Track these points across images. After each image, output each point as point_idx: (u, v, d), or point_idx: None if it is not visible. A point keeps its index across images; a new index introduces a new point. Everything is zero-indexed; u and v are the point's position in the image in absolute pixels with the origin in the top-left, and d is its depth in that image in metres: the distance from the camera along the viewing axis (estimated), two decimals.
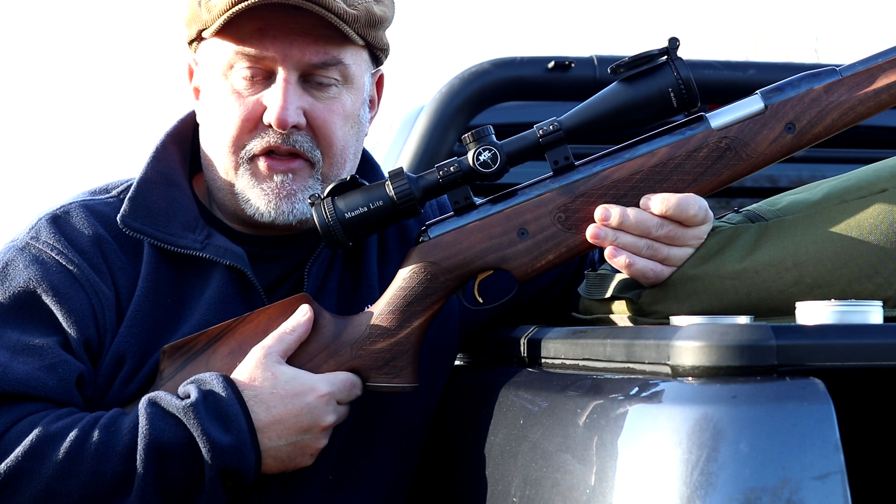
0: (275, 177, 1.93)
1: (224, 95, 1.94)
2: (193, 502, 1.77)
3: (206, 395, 1.77)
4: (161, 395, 1.79)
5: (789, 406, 1.21)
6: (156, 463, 1.74)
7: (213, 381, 1.79)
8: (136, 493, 1.74)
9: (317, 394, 1.79)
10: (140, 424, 1.75)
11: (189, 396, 1.77)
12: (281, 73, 1.91)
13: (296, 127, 1.91)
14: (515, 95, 3.07)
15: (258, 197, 1.94)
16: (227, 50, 1.92)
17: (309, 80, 1.93)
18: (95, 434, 1.76)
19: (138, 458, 1.73)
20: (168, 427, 1.75)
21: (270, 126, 1.91)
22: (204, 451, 1.73)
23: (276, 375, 1.79)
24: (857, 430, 1.72)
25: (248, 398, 1.78)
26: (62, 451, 1.74)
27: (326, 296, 1.98)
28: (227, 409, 1.76)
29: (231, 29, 1.90)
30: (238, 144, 1.94)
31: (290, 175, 1.93)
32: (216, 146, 1.97)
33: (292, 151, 1.93)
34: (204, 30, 1.94)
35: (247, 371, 1.80)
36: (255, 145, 1.93)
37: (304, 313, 1.85)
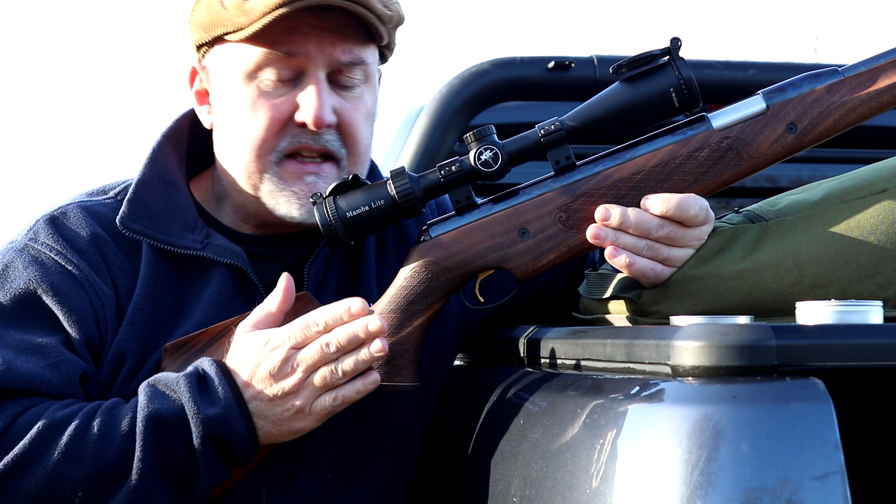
0: (307, 178, 1.93)
1: (250, 99, 1.92)
2: (194, 485, 1.76)
3: (199, 372, 1.77)
4: (160, 376, 1.80)
5: (789, 406, 1.21)
6: (154, 436, 1.74)
7: (204, 362, 1.79)
8: (136, 471, 1.74)
9: (270, 345, 1.75)
10: (139, 403, 1.76)
11: (184, 373, 1.78)
12: (312, 73, 1.91)
13: (328, 126, 1.92)
14: (515, 95, 3.06)
15: (289, 199, 1.93)
16: (254, 52, 1.91)
17: (335, 80, 1.93)
18: (98, 418, 1.77)
19: (137, 432, 1.74)
20: (165, 401, 1.75)
21: (301, 125, 1.91)
22: (191, 419, 1.73)
23: (244, 342, 1.79)
24: (857, 430, 1.72)
25: (232, 371, 1.77)
26: (66, 436, 1.75)
27: (325, 295, 1.99)
28: (214, 384, 1.76)
29: (260, 31, 1.88)
30: (267, 147, 1.93)
31: (322, 176, 1.93)
32: (239, 150, 1.95)
33: (322, 151, 1.93)
34: (229, 33, 1.91)
35: (232, 345, 1.81)
36: (286, 145, 1.93)
37: (282, 283, 1.82)
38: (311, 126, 1.90)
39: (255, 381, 1.76)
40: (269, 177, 1.94)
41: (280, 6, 1.85)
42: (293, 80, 1.92)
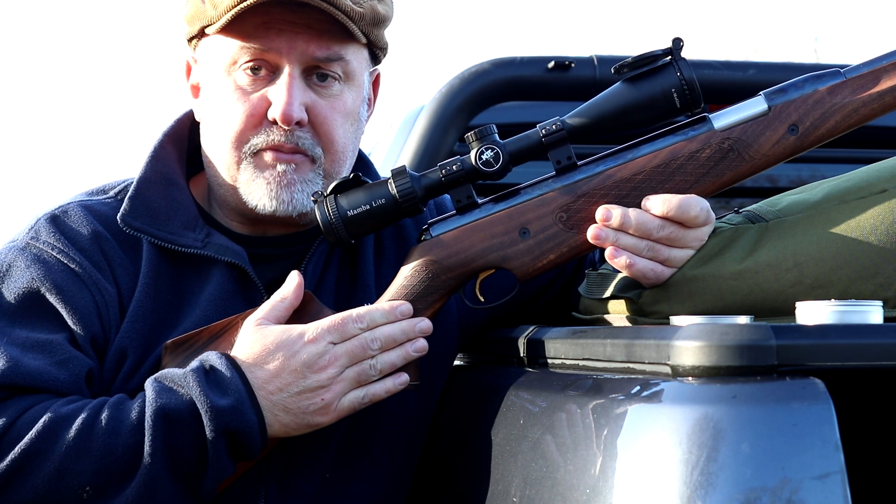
0: (278, 166, 1.94)
1: (227, 92, 1.94)
2: (201, 480, 1.76)
3: (205, 366, 1.78)
4: (165, 372, 1.80)
5: (789, 406, 1.21)
6: (163, 430, 1.74)
7: (210, 356, 1.80)
8: (144, 465, 1.73)
9: (305, 338, 1.78)
10: (147, 398, 1.76)
11: (190, 368, 1.79)
12: (285, 69, 1.91)
13: (299, 123, 1.92)
14: (515, 95, 3.07)
15: (260, 187, 1.94)
16: (231, 46, 1.93)
17: (312, 75, 1.94)
18: (105, 412, 1.77)
19: (146, 427, 1.74)
20: (174, 396, 1.75)
21: (274, 122, 1.92)
22: (203, 412, 1.73)
23: (265, 335, 1.80)
24: (857, 430, 1.72)
25: (243, 363, 1.78)
26: (73, 430, 1.75)
27: (324, 294, 1.99)
28: (224, 375, 1.76)
29: (235, 25, 1.90)
30: (241, 140, 1.94)
31: (293, 166, 1.94)
32: (218, 143, 1.97)
33: (295, 149, 1.93)
34: (207, 26, 1.94)
35: (241, 340, 1.82)
36: (259, 142, 1.93)
37: (293, 280, 1.85)
38: (279, 122, 1.91)
39: (284, 373, 1.77)
40: (244, 166, 1.95)
41: (241, 0, 1.87)
42: (269, 75, 1.93)
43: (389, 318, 1.82)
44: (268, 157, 1.94)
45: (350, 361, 1.79)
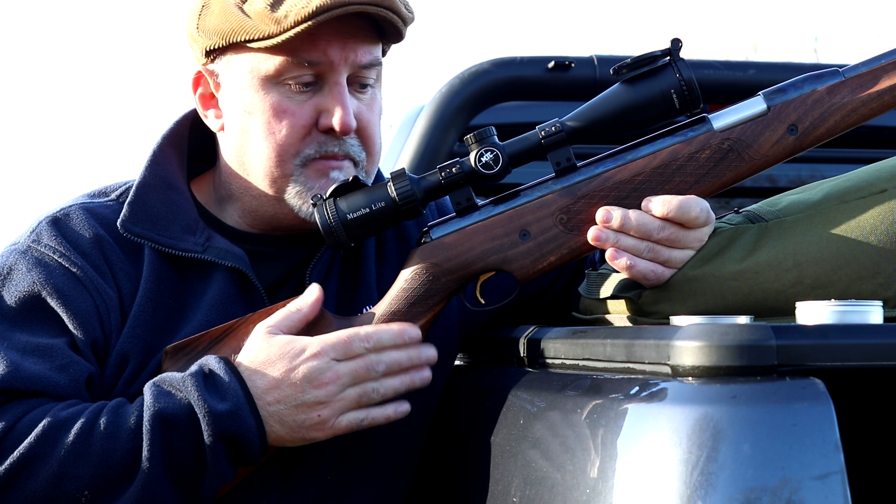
0: (331, 174, 1.93)
1: (271, 105, 1.92)
2: (200, 484, 1.77)
3: (204, 370, 1.78)
4: (164, 376, 1.80)
5: (789, 406, 1.21)
6: (161, 434, 1.74)
7: (210, 360, 1.80)
8: (143, 470, 1.74)
9: (309, 352, 1.77)
10: (145, 402, 1.76)
11: (189, 372, 1.78)
12: (334, 77, 1.91)
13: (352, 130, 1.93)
14: (515, 95, 3.07)
15: (309, 200, 1.93)
16: (277, 59, 1.90)
17: (353, 82, 1.94)
18: (104, 416, 1.77)
19: (144, 431, 1.74)
20: (172, 400, 1.75)
21: (325, 132, 1.91)
22: (201, 416, 1.73)
23: (271, 344, 1.79)
24: (857, 430, 1.72)
25: (245, 370, 1.77)
26: (72, 434, 1.75)
27: (326, 297, 1.98)
28: (223, 380, 1.76)
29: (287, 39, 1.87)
30: (291, 152, 1.93)
31: (344, 171, 1.94)
32: (261, 155, 1.94)
33: (346, 157, 1.94)
34: (253, 40, 1.89)
35: (248, 345, 1.81)
36: (311, 152, 1.93)
37: (313, 293, 1.84)
38: (338, 131, 1.91)
39: (284, 385, 1.76)
40: (294, 179, 1.94)
41: (313, 16, 1.83)
42: (314, 85, 1.92)
43: (397, 342, 1.80)
44: (318, 164, 1.93)
45: (352, 381, 1.78)
